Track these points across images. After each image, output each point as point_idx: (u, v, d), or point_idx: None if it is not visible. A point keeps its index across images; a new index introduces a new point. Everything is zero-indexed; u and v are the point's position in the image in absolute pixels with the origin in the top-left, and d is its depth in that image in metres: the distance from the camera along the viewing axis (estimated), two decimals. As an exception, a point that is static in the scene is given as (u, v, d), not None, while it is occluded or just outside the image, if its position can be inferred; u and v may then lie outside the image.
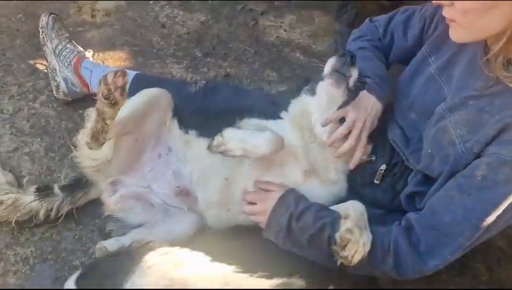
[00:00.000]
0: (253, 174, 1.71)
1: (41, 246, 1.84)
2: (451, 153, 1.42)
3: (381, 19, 1.92)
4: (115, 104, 1.54)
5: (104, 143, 1.63)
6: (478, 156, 1.37)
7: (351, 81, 1.63)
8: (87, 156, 1.70)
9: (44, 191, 1.83)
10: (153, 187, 1.83)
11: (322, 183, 1.71)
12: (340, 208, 1.53)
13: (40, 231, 1.87)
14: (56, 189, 1.85)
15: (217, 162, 1.74)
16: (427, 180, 1.57)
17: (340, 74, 1.62)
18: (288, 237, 1.52)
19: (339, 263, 1.40)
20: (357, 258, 1.36)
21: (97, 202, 1.89)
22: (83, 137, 1.69)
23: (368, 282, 1.74)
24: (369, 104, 1.70)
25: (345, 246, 1.36)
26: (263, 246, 1.63)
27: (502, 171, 1.30)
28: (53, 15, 2.36)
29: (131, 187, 1.82)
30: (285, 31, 2.88)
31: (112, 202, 1.82)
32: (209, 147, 1.62)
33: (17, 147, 2.13)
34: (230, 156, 1.60)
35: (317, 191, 1.70)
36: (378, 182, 1.73)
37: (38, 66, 2.45)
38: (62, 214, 1.84)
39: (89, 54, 2.32)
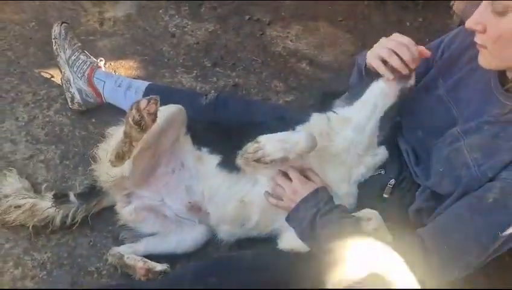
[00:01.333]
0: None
1: (57, 251, 1.90)
2: (464, 174, 1.48)
3: None
4: (144, 130, 1.60)
5: (126, 160, 1.69)
6: (491, 179, 1.43)
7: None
8: (106, 172, 1.77)
9: (60, 198, 1.90)
10: (166, 201, 1.90)
11: (337, 196, 1.76)
12: (359, 213, 1.59)
13: (56, 237, 1.94)
14: (72, 196, 1.92)
15: (227, 180, 1.81)
16: (436, 196, 1.64)
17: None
18: (309, 229, 1.59)
19: None
20: None
21: (111, 209, 1.96)
22: (105, 155, 1.75)
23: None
24: None
25: None
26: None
27: None
28: (65, 24, 2.43)
29: (145, 200, 1.89)
30: (291, 41, 2.95)
31: (126, 213, 1.90)
32: (243, 156, 1.64)
33: (33, 154, 2.19)
34: (268, 161, 1.61)
35: None
36: (387, 196, 1.78)
37: (51, 74, 2.51)
38: (77, 221, 1.91)
39: (101, 63, 2.38)
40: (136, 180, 1.80)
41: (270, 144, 1.61)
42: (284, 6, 3.14)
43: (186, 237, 1.90)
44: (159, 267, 1.74)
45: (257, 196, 1.77)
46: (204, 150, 1.91)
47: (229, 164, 1.82)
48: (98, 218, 1.99)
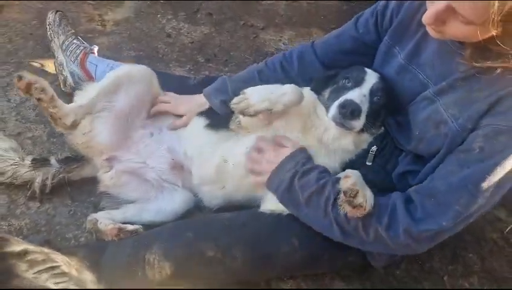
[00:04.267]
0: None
1: (35, 219, 1.87)
2: (445, 132, 1.46)
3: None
4: (40, 100, 1.65)
5: (68, 125, 1.72)
6: (473, 131, 1.41)
7: (355, 130, 1.64)
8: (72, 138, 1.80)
9: (40, 161, 1.89)
10: (148, 162, 1.88)
11: None
12: (340, 174, 1.56)
13: (35, 205, 1.91)
14: (53, 160, 1.91)
15: (213, 140, 1.80)
16: (418, 159, 1.62)
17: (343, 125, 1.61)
18: (288, 192, 1.55)
19: (349, 213, 1.41)
20: (369, 205, 1.39)
21: (94, 181, 1.94)
22: None
23: (360, 264, 1.74)
24: None
25: (356, 194, 1.38)
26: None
27: (498, 141, 1.34)
28: (60, 12, 2.52)
29: (127, 163, 1.87)
30: (284, 44, 3.03)
31: (107, 178, 1.87)
32: (229, 105, 1.60)
33: (21, 132, 2.20)
34: (252, 112, 1.57)
35: None
36: (370, 163, 1.75)
37: (47, 64, 2.57)
38: (56, 181, 1.89)
39: (94, 49, 2.44)
40: (110, 143, 1.81)
41: (256, 94, 1.59)
42: (278, 15, 3.25)
43: (166, 205, 1.85)
44: (131, 227, 1.68)
45: (239, 156, 1.75)
46: None
47: (215, 124, 1.83)
48: (80, 189, 1.97)
